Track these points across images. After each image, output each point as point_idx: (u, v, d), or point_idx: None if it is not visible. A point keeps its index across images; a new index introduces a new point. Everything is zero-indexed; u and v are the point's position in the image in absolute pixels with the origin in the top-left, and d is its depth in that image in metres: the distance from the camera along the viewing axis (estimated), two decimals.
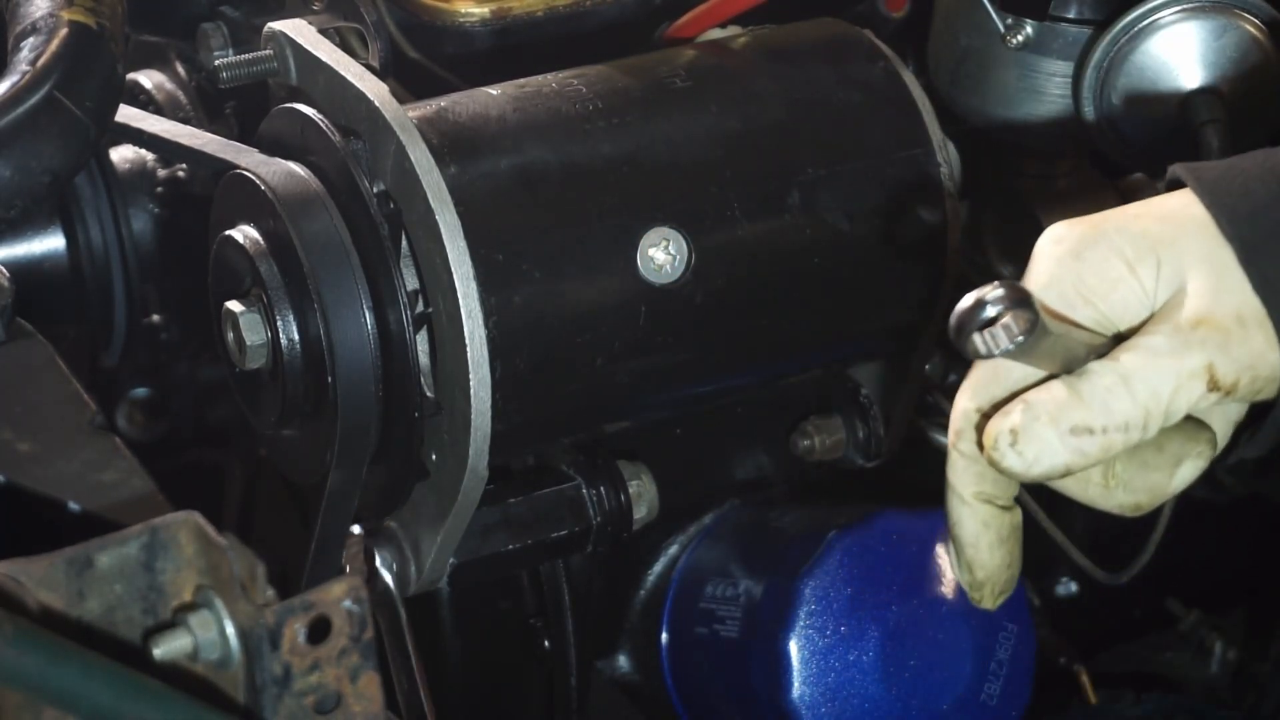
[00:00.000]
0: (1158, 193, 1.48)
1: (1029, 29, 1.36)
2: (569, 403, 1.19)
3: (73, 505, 0.87)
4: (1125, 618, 1.60)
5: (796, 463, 1.38)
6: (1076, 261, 0.96)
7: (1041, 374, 0.95)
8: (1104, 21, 1.33)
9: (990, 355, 0.88)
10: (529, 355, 1.15)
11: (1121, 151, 1.37)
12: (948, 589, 1.27)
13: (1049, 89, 1.38)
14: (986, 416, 0.97)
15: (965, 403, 0.98)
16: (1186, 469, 0.99)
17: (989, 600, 1.02)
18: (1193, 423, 0.98)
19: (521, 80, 1.23)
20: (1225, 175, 0.97)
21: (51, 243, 1.36)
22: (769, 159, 1.22)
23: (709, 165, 1.21)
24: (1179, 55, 1.31)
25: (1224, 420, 0.99)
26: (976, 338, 0.88)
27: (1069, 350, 0.94)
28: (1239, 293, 0.94)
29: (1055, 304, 0.95)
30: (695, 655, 1.33)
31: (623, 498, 1.29)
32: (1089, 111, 1.34)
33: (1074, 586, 1.59)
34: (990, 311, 0.87)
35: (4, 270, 1.04)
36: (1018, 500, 1.00)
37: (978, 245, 1.49)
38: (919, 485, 1.42)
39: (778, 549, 1.31)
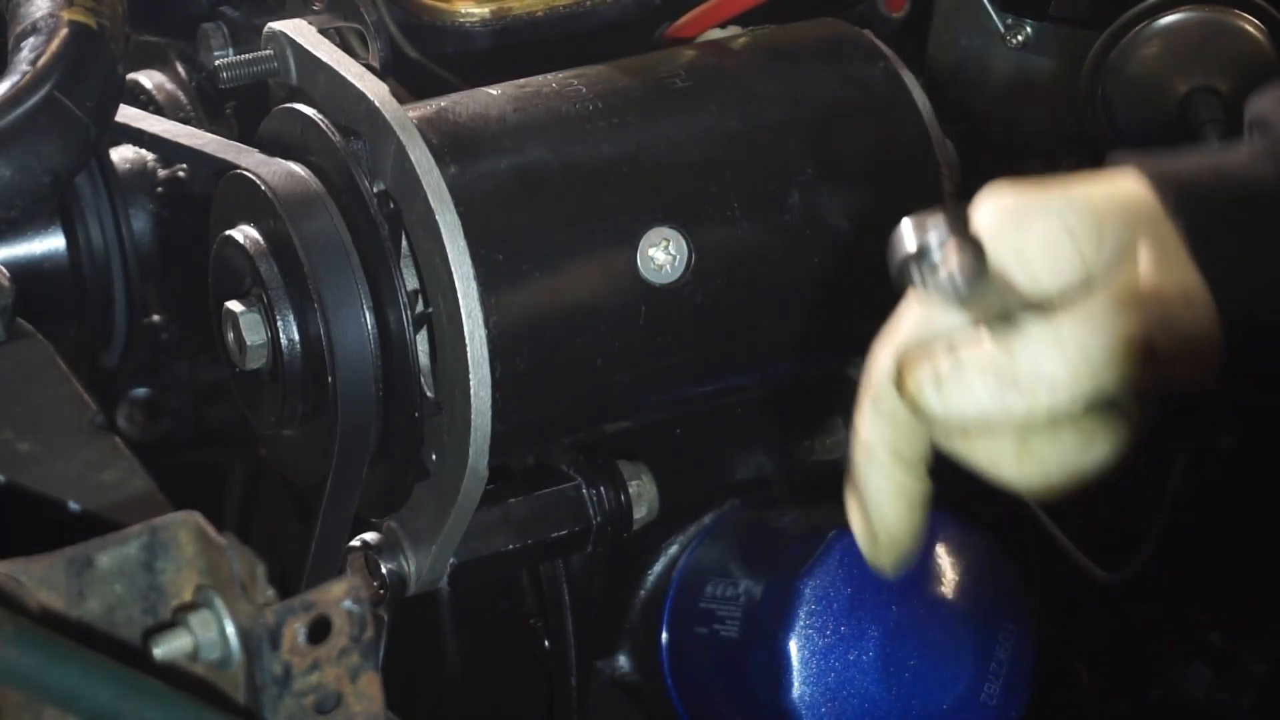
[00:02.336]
0: None
1: (1029, 29, 1.36)
2: (569, 403, 1.19)
3: (73, 505, 0.87)
4: (1125, 618, 1.60)
5: (796, 463, 1.38)
6: (1018, 227, 0.92)
7: (968, 329, 0.91)
8: (1103, 21, 1.33)
9: (928, 287, 0.83)
10: (529, 355, 1.15)
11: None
12: (948, 589, 1.27)
13: (1049, 89, 1.38)
14: None
15: (885, 360, 0.95)
16: (1102, 450, 0.94)
17: (887, 563, 0.98)
18: (1114, 406, 0.94)
19: (521, 80, 1.23)
20: (1171, 161, 0.95)
21: (51, 243, 1.36)
22: (769, 159, 1.22)
23: (709, 165, 1.21)
24: (1178, 55, 1.31)
25: (1147, 407, 0.95)
26: (915, 269, 0.83)
27: (1003, 306, 0.90)
28: (1186, 272, 0.91)
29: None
30: (695, 655, 1.33)
31: (623, 498, 1.29)
32: (1088, 111, 1.34)
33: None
34: (934, 239, 0.83)
35: (4, 270, 1.04)
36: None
37: None
38: None
39: (778, 549, 1.31)
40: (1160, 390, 0.94)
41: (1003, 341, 0.90)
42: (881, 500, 0.96)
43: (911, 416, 0.93)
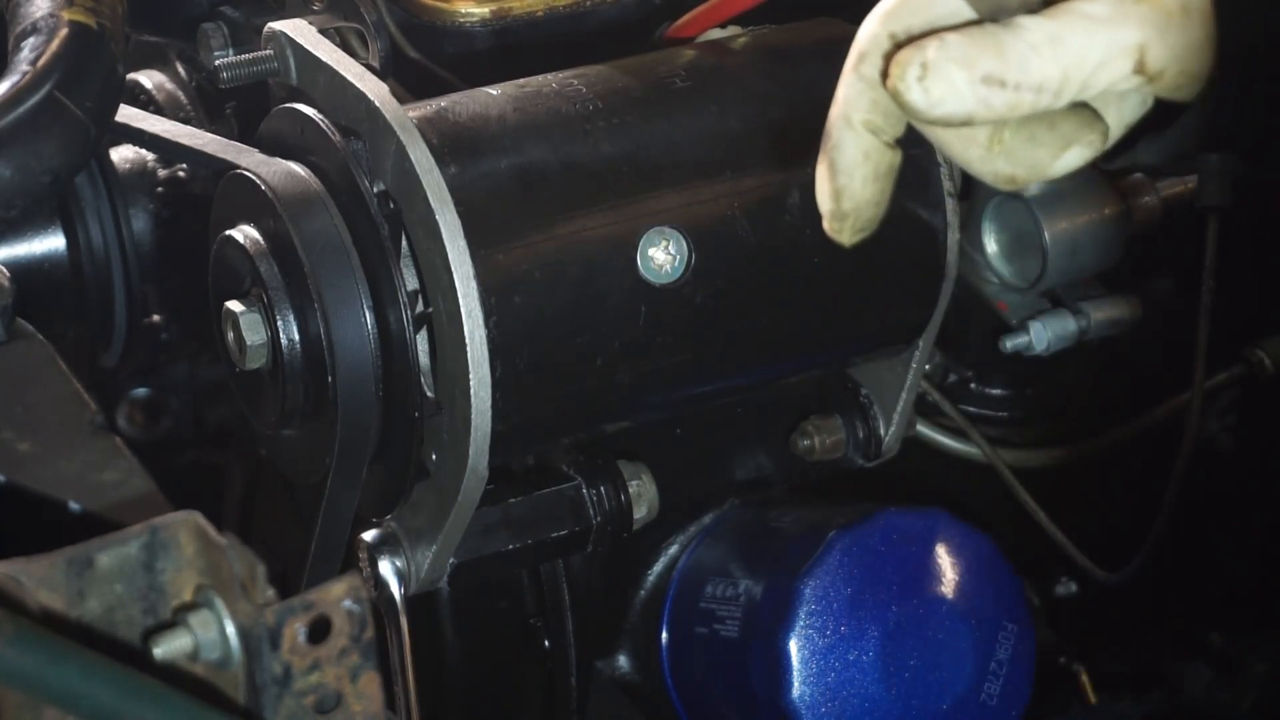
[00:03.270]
0: (1157, 193, 1.49)
1: None
2: (569, 402, 1.19)
3: (73, 505, 0.87)
4: (1125, 618, 1.60)
5: (796, 463, 1.38)
6: None
7: (966, 17, 0.92)
8: None
9: None
10: (529, 355, 1.15)
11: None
12: (948, 589, 1.27)
13: None
14: (899, 46, 0.92)
15: (877, 27, 0.94)
16: (1073, 154, 0.95)
17: (847, 235, 0.97)
18: (1090, 110, 0.95)
19: (521, 80, 1.23)
20: None
21: (51, 243, 1.36)
22: (769, 159, 1.22)
23: (709, 165, 1.21)
24: None
25: (1122, 116, 0.96)
26: None
27: (1003, 1, 0.90)
28: None
29: None
30: (695, 655, 1.33)
31: (623, 498, 1.29)
32: None
33: (1074, 586, 1.59)
34: None
35: (4, 270, 1.04)
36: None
37: (978, 245, 1.49)
38: (919, 485, 1.43)
39: (778, 549, 1.31)
40: (1146, 96, 0.94)
41: (995, 36, 0.89)
42: (852, 165, 0.95)
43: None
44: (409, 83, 1.32)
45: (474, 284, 1.13)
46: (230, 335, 1.19)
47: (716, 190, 1.20)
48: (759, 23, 1.34)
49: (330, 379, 1.15)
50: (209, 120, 1.48)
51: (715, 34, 1.33)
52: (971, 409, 1.53)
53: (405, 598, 1.24)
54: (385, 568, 1.23)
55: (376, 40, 1.28)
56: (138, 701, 0.73)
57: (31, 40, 1.15)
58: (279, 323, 1.16)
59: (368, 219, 1.15)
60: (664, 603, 1.35)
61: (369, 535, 1.24)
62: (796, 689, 1.25)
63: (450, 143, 1.16)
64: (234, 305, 1.18)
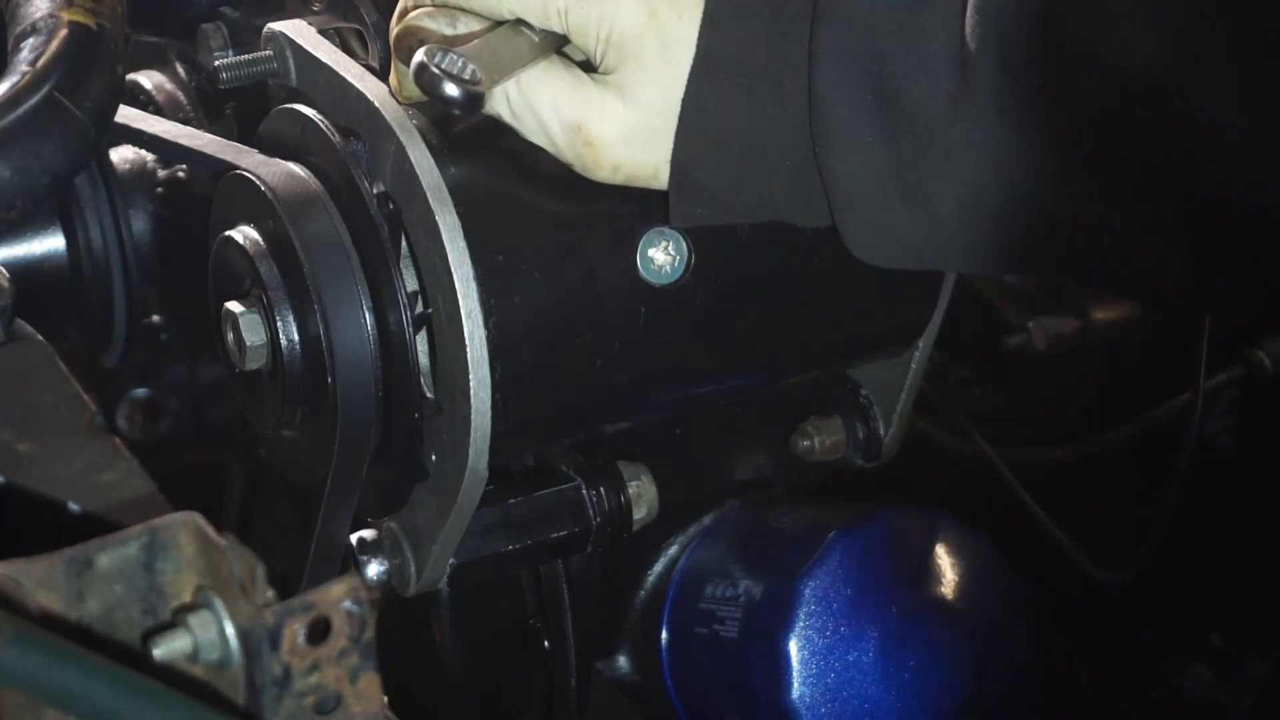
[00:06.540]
0: None
1: None
2: (569, 403, 1.19)
3: (73, 505, 0.87)
4: (1125, 618, 1.60)
5: (796, 463, 1.38)
6: None
7: None
8: None
9: None
10: (529, 356, 1.15)
11: None
12: (948, 589, 1.27)
13: None
14: None
15: None
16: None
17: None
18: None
19: None
20: None
21: (51, 243, 1.36)
22: None
23: None
24: None
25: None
26: None
27: None
28: None
29: None
30: (695, 655, 1.33)
31: (623, 498, 1.29)
32: None
33: (1073, 586, 1.59)
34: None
35: (4, 270, 1.04)
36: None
37: None
38: (919, 485, 1.43)
39: (778, 549, 1.31)
40: None
41: None
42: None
43: None
44: None
45: (474, 284, 1.12)
46: (230, 336, 1.18)
47: None
48: None
49: (330, 380, 1.15)
50: (209, 120, 1.48)
51: None
52: (971, 409, 1.53)
53: (403, 595, 1.25)
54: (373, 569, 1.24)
55: (376, 41, 1.28)
56: (138, 702, 0.73)
57: (31, 41, 1.15)
58: (278, 323, 1.16)
59: (367, 220, 1.15)
60: (664, 603, 1.35)
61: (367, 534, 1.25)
62: (796, 689, 1.25)
63: (450, 143, 1.16)
64: (234, 306, 1.18)
